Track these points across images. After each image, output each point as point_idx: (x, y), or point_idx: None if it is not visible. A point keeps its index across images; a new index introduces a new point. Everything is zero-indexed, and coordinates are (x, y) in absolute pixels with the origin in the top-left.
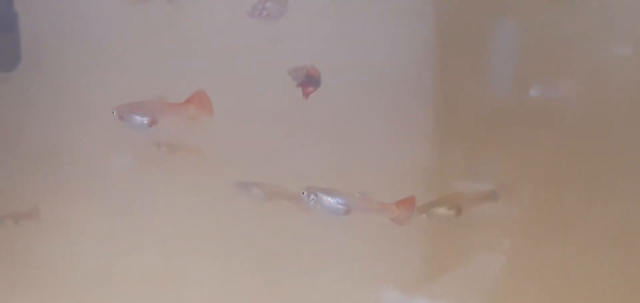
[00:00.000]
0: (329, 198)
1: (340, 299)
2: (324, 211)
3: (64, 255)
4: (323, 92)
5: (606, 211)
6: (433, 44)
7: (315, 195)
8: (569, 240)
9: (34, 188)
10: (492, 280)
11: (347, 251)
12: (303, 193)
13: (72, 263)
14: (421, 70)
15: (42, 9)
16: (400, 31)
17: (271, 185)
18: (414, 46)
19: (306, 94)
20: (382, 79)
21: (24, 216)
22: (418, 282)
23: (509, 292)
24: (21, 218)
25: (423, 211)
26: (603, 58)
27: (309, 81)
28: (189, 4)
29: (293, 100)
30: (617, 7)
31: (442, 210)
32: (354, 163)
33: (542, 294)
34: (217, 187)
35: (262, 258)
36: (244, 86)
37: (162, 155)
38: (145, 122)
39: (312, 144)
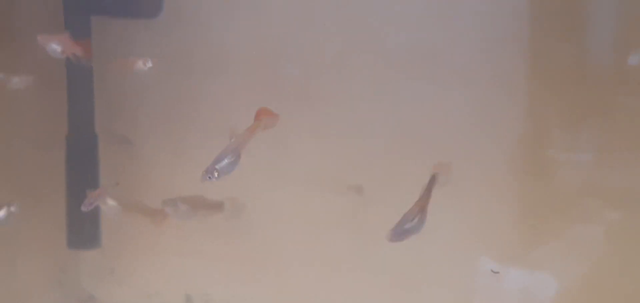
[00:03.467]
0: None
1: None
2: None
3: None
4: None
5: None
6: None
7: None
8: None
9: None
10: (588, 252)
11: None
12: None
13: None
14: (514, 34)
15: None
16: None
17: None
18: (507, 10)
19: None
20: (476, 42)
21: None
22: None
23: (608, 264)
24: None
25: None
26: None
27: None
28: None
29: None
30: None
31: None
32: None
33: None
34: None
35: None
36: None
37: None
38: (235, 161)
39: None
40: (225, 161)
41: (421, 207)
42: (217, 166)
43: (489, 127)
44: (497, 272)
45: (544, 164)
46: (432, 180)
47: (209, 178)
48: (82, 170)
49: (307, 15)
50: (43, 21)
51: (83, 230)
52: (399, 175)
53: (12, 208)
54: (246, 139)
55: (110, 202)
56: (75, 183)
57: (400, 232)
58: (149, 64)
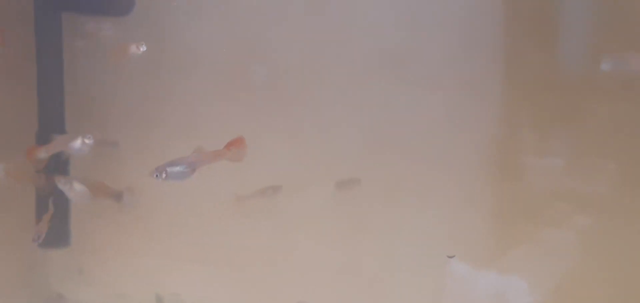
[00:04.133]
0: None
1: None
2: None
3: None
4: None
5: None
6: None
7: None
8: None
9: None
10: (561, 257)
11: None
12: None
13: None
14: (487, 39)
15: None
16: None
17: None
18: (480, 15)
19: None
20: (449, 50)
21: None
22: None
23: (579, 269)
24: None
25: None
26: None
27: None
28: None
29: None
30: None
31: None
32: (417, 138)
33: (614, 272)
34: None
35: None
36: None
37: None
38: (188, 171)
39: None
40: (178, 168)
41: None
42: (168, 169)
43: (460, 131)
44: (453, 256)
45: (516, 168)
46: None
47: (157, 176)
48: (52, 168)
49: (278, 15)
50: (12, 18)
51: (52, 229)
52: (372, 176)
53: (87, 140)
54: (207, 159)
55: (77, 186)
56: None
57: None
58: (143, 48)
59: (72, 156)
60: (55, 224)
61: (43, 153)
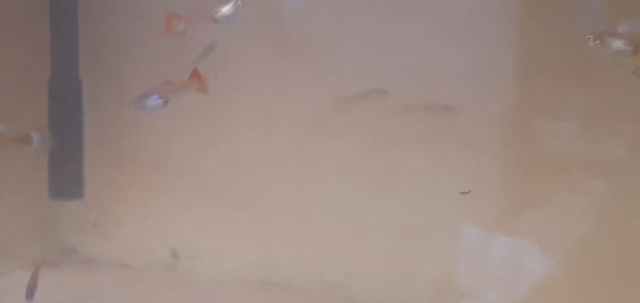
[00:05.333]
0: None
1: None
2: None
3: None
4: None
5: None
6: None
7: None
8: None
9: None
10: (573, 221)
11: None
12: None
13: None
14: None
15: None
16: None
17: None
18: None
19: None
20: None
21: None
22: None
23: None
24: None
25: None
26: None
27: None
28: None
29: None
30: None
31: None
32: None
33: (627, 238)
34: None
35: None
36: None
37: None
38: (160, 103)
39: None
40: (151, 100)
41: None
42: (142, 101)
43: (478, 96)
44: (468, 191)
45: (532, 132)
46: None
47: (132, 109)
48: (65, 117)
49: None
50: None
51: (65, 180)
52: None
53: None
54: (176, 89)
55: None
56: (58, 131)
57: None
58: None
59: None
60: (68, 174)
61: (182, 25)
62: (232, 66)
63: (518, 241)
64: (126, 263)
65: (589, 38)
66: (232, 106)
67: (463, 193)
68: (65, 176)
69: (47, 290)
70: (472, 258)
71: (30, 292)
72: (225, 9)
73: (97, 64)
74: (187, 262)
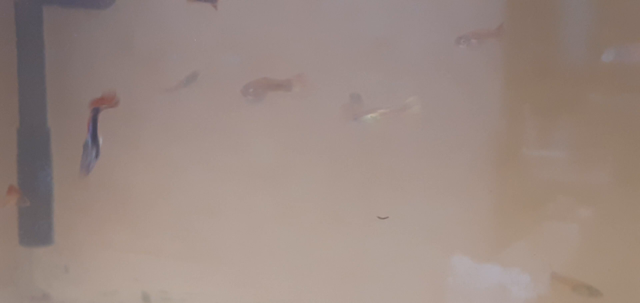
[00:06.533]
0: None
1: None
2: None
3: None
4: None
5: None
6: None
7: None
8: None
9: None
10: (565, 249)
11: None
12: None
13: None
14: (488, 32)
15: None
16: None
17: None
18: (483, 9)
19: None
20: (449, 41)
21: None
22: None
23: (582, 261)
24: None
25: None
26: None
27: None
28: None
29: None
30: None
31: None
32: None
33: (616, 265)
34: None
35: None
36: None
37: None
38: None
39: None
40: None
41: None
42: None
43: (463, 125)
44: (386, 217)
45: (517, 160)
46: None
47: None
48: (34, 165)
49: None
50: None
51: (35, 226)
52: (373, 170)
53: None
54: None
55: None
56: (27, 179)
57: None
58: None
59: None
60: (38, 221)
61: None
62: (203, 108)
63: (507, 270)
64: None
65: None
66: (201, 148)
67: (381, 218)
68: (35, 222)
69: None
70: (461, 289)
71: None
72: None
73: (64, 111)
74: None
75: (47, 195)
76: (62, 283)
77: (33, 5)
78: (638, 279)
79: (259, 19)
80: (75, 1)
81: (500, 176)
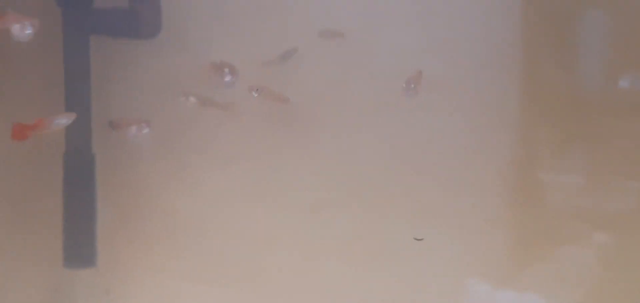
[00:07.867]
0: None
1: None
2: None
3: None
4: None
5: None
6: (518, 34)
7: None
8: None
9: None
10: (579, 274)
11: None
12: None
13: None
14: (506, 61)
15: None
16: (484, 21)
17: None
18: (499, 37)
19: None
20: (468, 69)
21: None
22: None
23: (597, 287)
24: None
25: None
26: None
27: None
28: None
29: None
30: None
31: None
32: (435, 153)
33: (632, 288)
34: None
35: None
36: None
37: None
38: None
39: None
40: None
41: None
42: None
43: (480, 152)
44: (421, 239)
45: (535, 187)
46: None
47: None
48: (79, 188)
49: None
50: (39, 40)
51: (78, 249)
52: (390, 199)
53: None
54: None
55: None
56: (73, 201)
57: None
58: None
59: None
60: (82, 244)
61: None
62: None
63: (524, 295)
64: None
65: None
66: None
67: (417, 239)
68: (79, 244)
69: None
70: None
71: None
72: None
73: (109, 137)
74: None
75: (90, 216)
76: None
77: (81, 35)
78: None
79: None
80: (121, 31)
81: (519, 203)
